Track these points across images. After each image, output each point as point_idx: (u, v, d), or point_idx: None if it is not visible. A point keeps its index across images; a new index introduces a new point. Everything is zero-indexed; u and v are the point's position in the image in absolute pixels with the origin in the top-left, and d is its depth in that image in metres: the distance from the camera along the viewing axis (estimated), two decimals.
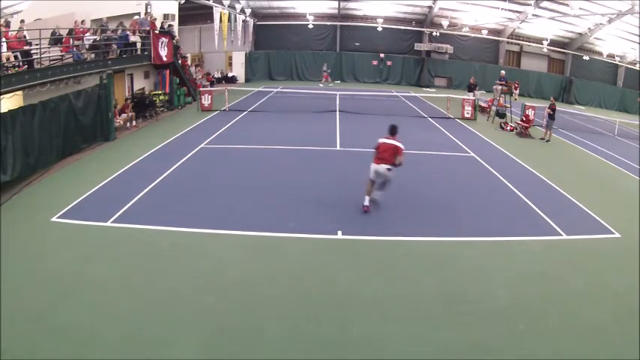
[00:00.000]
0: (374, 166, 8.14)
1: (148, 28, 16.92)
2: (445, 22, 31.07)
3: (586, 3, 25.41)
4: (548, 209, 8.73)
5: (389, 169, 8.07)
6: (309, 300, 5.50)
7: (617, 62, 32.69)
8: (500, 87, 19.31)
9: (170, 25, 19.97)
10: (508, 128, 17.63)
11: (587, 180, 11.75)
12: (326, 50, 33.56)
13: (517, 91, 26.51)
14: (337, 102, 20.31)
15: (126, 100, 15.61)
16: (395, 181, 10.27)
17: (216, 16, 23.81)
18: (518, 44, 33.31)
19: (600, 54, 32.23)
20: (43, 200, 8.43)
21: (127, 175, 10.03)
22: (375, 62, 33.50)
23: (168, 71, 18.34)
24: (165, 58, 17.67)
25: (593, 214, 8.72)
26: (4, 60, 10.34)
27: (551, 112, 16.04)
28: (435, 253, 6.87)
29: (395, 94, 27.99)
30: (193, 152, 11.93)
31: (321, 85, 29.62)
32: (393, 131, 8.24)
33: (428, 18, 31.84)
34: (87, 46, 13.88)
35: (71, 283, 5.65)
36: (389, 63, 33.58)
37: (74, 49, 13.14)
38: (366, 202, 8.22)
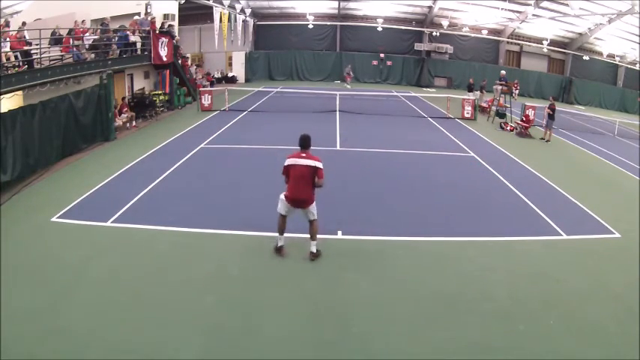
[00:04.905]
0: (286, 203, 6.21)
1: (148, 28, 16.92)
2: (445, 22, 31.09)
3: (586, 3, 25.43)
4: (548, 209, 8.72)
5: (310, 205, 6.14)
6: (309, 300, 5.49)
7: (617, 62, 32.70)
8: (500, 87, 19.33)
9: (170, 25, 19.98)
10: (508, 128, 17.64)
11: (587, 180, 11.75)
12: (326, 50, 33.57)
13: (517, 92, 26.51)
14: (337, 102, 20.31)
15: (122, 99, 15.55)
16: (395, 181, 10.36)
17: (216, 16, 23.83)
18: (518, 44, 33.32)
19: (600, 54, 32.24)
20: (43, 200, 8.42)
21: (127, 175, 10.03)
22: (375, 62, 33.52)
23: (168, 71, 18.35)
24: (165, 58, 17.67)
25: (593, 214, 8.71)
26: (4, 60, 10.34)
27: (551, 112, 16.04)
28: (435, 253, 6.86)
29: (395, 94, 28.00)
30: (193, 152, 11.93)
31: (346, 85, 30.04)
32: (305, 144, 6.13)
33: (428, 18, 31.85)
34: (87, 46, 13.88)
35: (71, 283, 5.65)
36: (389, 63, 33.61)
37: (74, 49, 13.14)
38: (281, 243, 6.46)
